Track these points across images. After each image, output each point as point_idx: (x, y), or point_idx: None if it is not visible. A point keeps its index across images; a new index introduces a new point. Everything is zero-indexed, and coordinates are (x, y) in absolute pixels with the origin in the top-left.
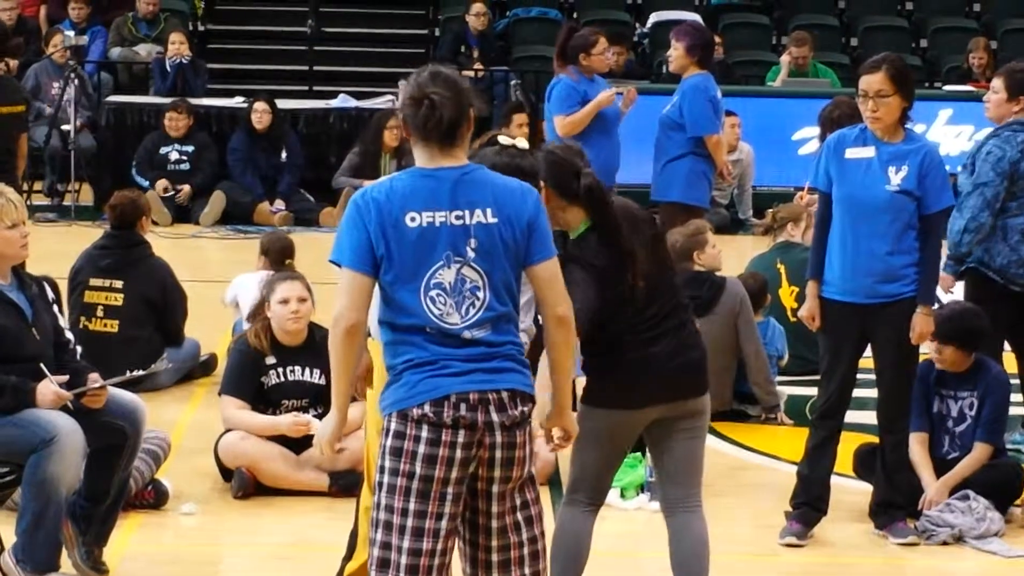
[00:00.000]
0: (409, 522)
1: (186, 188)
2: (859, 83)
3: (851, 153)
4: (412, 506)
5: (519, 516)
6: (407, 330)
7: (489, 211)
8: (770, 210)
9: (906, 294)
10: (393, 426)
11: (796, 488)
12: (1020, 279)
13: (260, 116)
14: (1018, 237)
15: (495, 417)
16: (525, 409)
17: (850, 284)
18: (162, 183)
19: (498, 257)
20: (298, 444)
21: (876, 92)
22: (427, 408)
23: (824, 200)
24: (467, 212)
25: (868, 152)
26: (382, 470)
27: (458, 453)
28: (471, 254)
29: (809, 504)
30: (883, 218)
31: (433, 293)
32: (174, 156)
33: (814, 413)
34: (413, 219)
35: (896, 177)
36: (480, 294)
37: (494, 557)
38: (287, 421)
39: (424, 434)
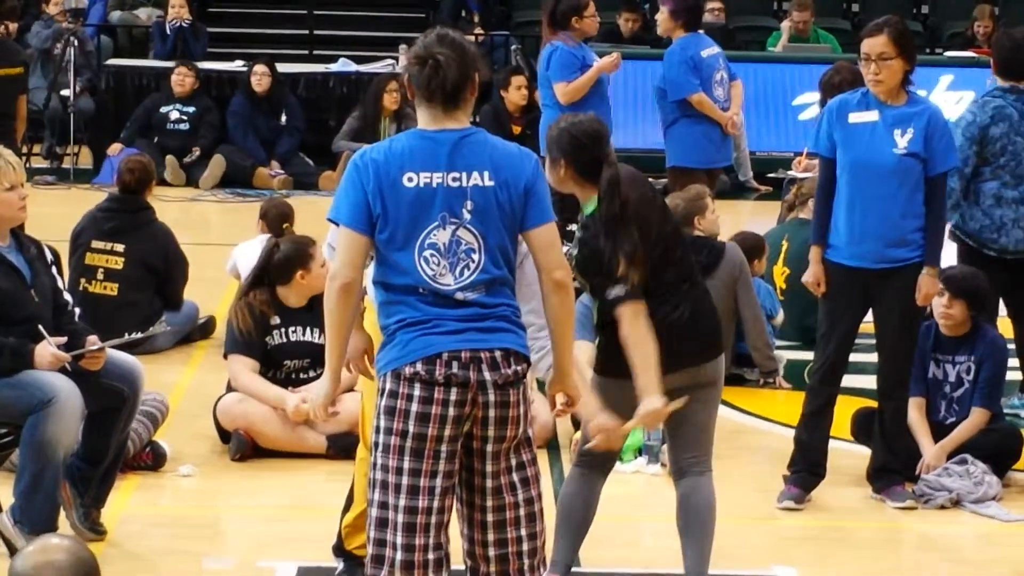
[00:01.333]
0: (405, 480)
1: (196, 150)
2: (861, 46)
3: (854, 118)
4: (407, 464)
5: (515, 477)
6: (400, 290)
7: (486, 174)
8: (794, 185)
9: (914, 259)
10: (387, 386)
11: (794, 453)
12: (993, 244)
13: (259, 79)
14: (991, 202)
15: (487, 375)
16: (519, 368)
17: (858, 249)
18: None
19: (494, 220)
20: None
21: (878, 55)
22: (419, 366)
23: (827, 165)
24: (464, 174)
25: (872, 116)
26: (378, 430)
27: (451, 411)
28: (467, 216)
29: (807, 469)
30: (892, 181)
31: (427, 253)
32: (174, 115)
33: (811, 378)
34: (410, 179)
35: (902, 140)
36: (475, 256)
37: (489, 517)
38: (293, 404)
39: (416, 392)
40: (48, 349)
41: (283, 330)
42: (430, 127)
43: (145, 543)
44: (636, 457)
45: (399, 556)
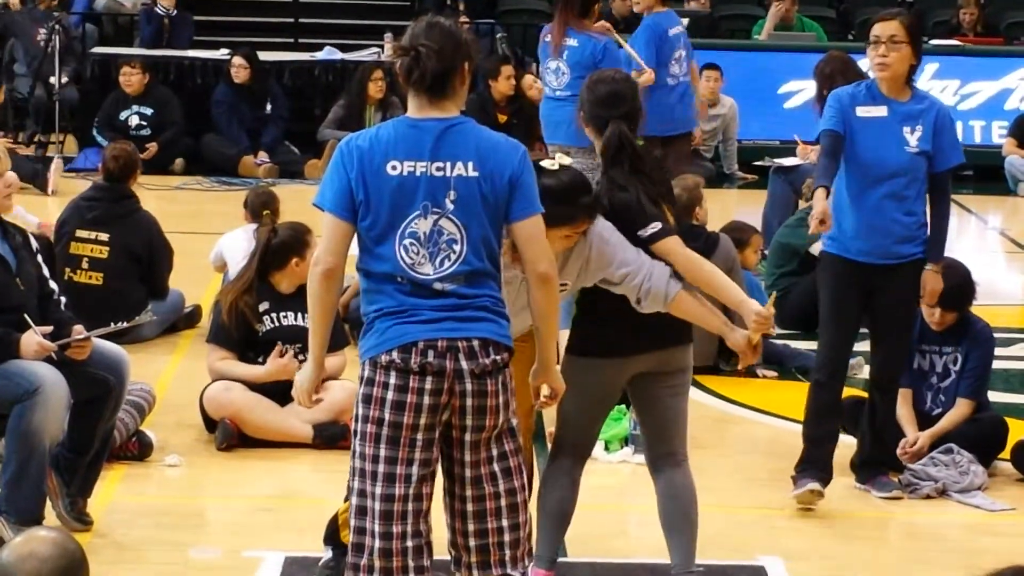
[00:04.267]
0: (381, 468)
1: (152, 147)
2: (871, 31)
3: (863, 112)
4: (383, 452)
5: (496, 467)
6: (380, 278)
7: (471, 164)
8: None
9: (917, 255)
10: (365, 374)
11: (805, 452)
12: None
13: (237, 71)
14: None
15: (464, 364)
16: (498, 358)
17: (865, 244)
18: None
19: (477, 211)
20: (282, 396)
21: (890, 37)
22: (395, 355)
23: (837, 137)
24: (448, 164)
25: (880, 111)
26: (356, 418)
27: (426, 399)
28: (450, 206)
29: (820, 468)
30: (902, 179)
31: (407, 242)
32: (134, 121)
33: (817, 372)
34: (394, 167)
35: (913, 138)
36: (457, 247)
37: (470, 507)
38: (273, 367)
39: (392, 380)
40: (34, 338)
41: (273, 315)
42: (416, 115)
43: (131, 533)
44: (622, 447)
45: (377, 544)
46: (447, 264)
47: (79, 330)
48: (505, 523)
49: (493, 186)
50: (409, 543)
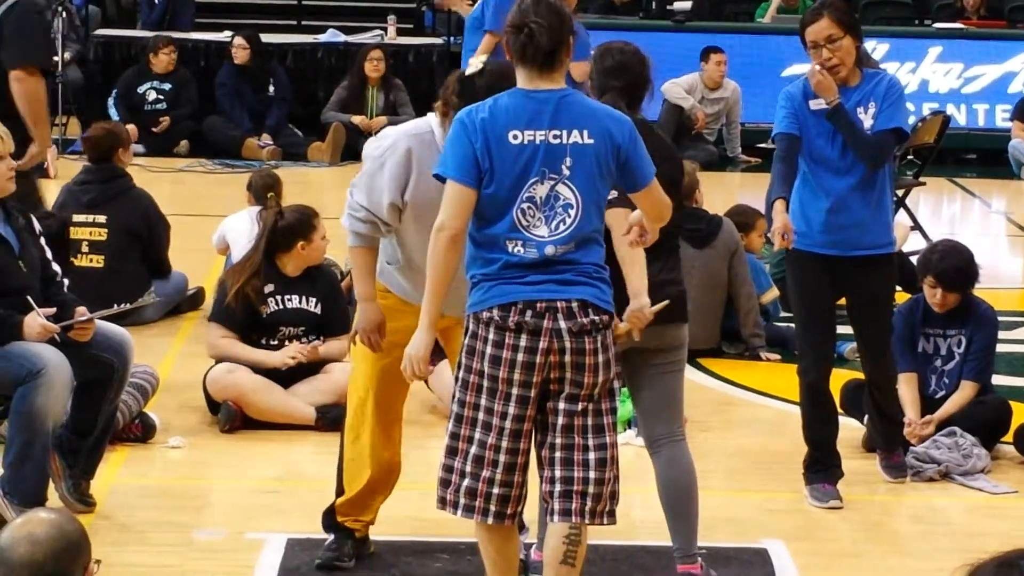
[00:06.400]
0: (480, 416)
1: (165, 120)
2: (805, 37)
3: (816, 104)
4: (482, 402)
5: (588, 421)
6: (493, 241)
7: (586, 132)
8: None
9: (887, 248)
10: (470, 326)
11: (812, 455)
12: None
13: (237, 51)
14: None
15: (562, 324)
16: (596, 319)
17: (833, 237)
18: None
19: (592, 177)
20: (285, 378)
21: (827, 38)
22: (495, 312)
23: (791, 139)
24: (564, 132)
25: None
26: (459, 366)
27: (520, 356)
28: (566, 172)
29: (833, 464)
30: (863, 165)
31: (524, 206)
32: (151, 96)
33: (807, 375)
34: (515, 137)
35: (867, 117)
36: (572, 211)
37: (558, 454)
38: (277, 357)
39: (490, 336)
40: (37, 320)
41: (278, 298)
42: (528, 87)
43: (134, 515)
44: (625, 429)
45: (465, 482)
46: (562, 228)
47: (82, 312)
48: (591, 475)
49: (607, 154)
50: (495, 490)
